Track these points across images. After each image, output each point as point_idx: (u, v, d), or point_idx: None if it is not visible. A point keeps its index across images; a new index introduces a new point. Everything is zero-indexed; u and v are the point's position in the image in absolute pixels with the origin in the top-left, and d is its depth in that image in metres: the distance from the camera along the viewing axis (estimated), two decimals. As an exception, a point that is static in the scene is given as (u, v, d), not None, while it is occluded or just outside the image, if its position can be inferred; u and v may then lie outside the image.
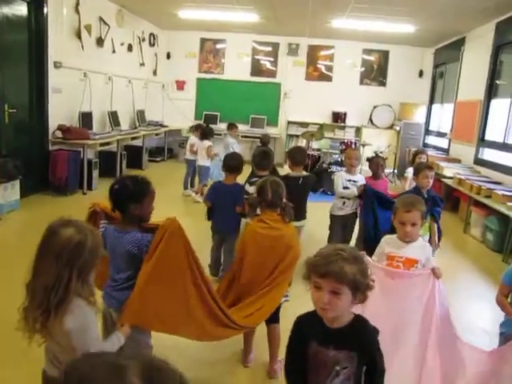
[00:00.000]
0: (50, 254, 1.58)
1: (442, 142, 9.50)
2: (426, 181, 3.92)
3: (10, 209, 5.63)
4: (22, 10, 6.21)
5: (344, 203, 4.38)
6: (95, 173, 7.15)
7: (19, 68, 6.27)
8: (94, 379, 0.76)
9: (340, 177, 4.44)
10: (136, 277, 2.14)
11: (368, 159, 5.11)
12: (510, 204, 5.26)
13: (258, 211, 2.80)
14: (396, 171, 10.20)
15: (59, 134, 6.78)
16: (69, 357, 1.52)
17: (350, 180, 4.37)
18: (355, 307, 1.62)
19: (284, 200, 2.75)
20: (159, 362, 0.82)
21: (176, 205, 6.55)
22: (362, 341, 1.59)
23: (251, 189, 3.61)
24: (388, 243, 2.67)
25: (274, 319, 2.70)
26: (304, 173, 4.22)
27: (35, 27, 6.42)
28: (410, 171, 5.39)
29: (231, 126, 7.86)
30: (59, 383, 0.98)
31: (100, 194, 6.99)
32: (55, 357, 1.66)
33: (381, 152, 9.42)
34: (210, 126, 8.08)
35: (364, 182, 4.41)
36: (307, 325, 1.63)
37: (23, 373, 2.53)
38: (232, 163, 3.96)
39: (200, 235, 3.82)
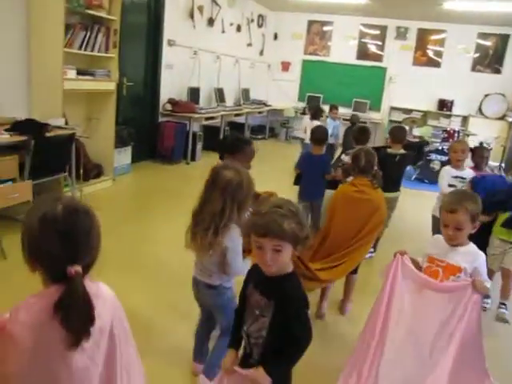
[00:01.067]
0: (216, 189, 2.07)
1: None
2: None
3: (123, 172, 6.27)
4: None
5: None
6: (199, 145, 7.67)
7: (138, 46, 6.87)
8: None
9: (445, 172, 3.95)
10: None
11: (471, 149, 4.32)
12: None
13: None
14: (503, 165, 9.65)
15: (169, 106, 7.35)
16: (219, 268, 2.13)
17: (456, 177, 3.87)
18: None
19: (375, 168, 3.03)
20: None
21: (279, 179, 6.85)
22: (283, 294, 1.57)
23: (346, 158, 4.11)
24: (432, 243, 2.37)
25: (353, 271, 3.06)
26: (402, 151, 4.35)
27: (154, 9, 6.99)
28: None
29: (331, 108, 8.13)
30: None
31: (203, 165, 7.49)
32: (206, 268, 2.18)
33: (488, 143, 9.00)
34: (321, 106, 8.27)
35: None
36: (254, 269, 1.72)
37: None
38: (319, 136, 4.28)
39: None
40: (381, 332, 2.17)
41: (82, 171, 4.93)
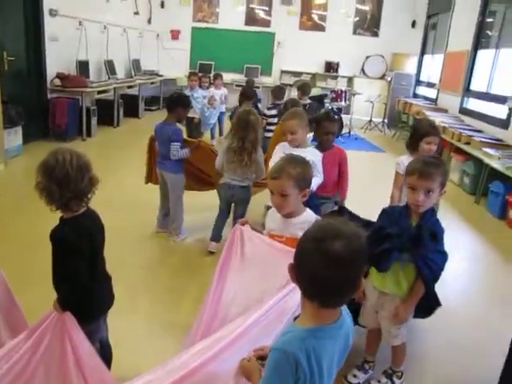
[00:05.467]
0: (250, 127, 3.35)
1: (432, 93, 9.72)
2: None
3: (14, 154, 5.91)
4: (16, -44, 6.27)
5: None
6: (94, 120, 7.39)
7: (15, 16, 6.37)
8: None
9: (280, 148, 3.21)
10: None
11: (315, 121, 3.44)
12: (485, 149, 5.60)
13: None
14: (386, 121, 10.46)
15: (58, 81, 6.98)
16: (253, 173, 3.46)
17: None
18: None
19: None
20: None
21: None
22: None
23: (271, 112, 5.43)
24: (269, 218, 2.22)
25: None
26: (309, 101, 6.02)
27: (30, -26, 6.50)
28: (402, 162, 2.90)
29: (214, 78, 7.85)
30: None
31: (99, 140, 7.27)
32: (241, 176, 3.43)
33: (371, 101, 9.69)
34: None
35: (319, 159, 3.10)
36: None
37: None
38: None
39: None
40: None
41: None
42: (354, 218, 2.57)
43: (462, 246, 4.38)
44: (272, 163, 2.79)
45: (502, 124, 6.36)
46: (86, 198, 1.80)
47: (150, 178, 4.03)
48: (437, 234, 2.01)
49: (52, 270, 1.81)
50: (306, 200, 2.08)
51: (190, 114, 5.98)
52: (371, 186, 5.45)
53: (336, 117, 8.04)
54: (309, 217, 2.05)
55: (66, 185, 1.71)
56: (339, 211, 2.87)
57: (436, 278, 2.05)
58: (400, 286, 2.08)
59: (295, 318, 1.27)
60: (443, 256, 2.04)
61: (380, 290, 2.14)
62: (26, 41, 6.63)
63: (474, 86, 7.73)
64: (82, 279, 1.73)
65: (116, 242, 3.25)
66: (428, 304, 2.17)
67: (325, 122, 3.30)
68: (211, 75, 8.73)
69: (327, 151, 3.28)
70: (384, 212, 2.19)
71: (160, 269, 3.40)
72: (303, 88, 6.19)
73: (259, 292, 1.82)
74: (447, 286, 3.30)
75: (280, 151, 3.09)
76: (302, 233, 1.72)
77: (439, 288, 2.19)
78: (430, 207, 2.04)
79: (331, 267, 1.09)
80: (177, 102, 3.72)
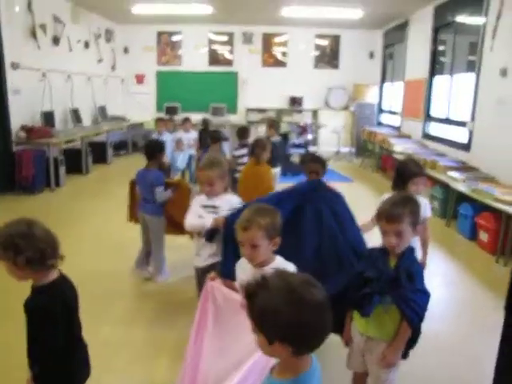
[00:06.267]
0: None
1: (395, 120, 10.01)
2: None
3: (-20, 210, 5.79)
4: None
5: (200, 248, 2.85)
6: (62, 170, 7.32)
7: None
8: None
9: (194, 205, 2.88)
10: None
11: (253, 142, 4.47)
12: (450, 173, 5.75)
13: None
14: (353, 150, 10.68)
15: (23, 134, 6.91)
16: None
17: (206, 206, 2.80)
18: None
19: (256, 150, 4.23)
20: None
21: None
22: None
23: (238, 152, 5.44)
24: (238, 267, 2.13)
25: None
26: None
27: (-11, 29, 6.50)
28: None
29: (183, 122, 7.64)
30: None
31: (68, 189, 7.19)
32: None
33: (337, 132, 9.89)
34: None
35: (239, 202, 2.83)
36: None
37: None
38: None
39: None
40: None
41: None
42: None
43: (438, 271, 4.43)
44: (189, 219, 2.77)
45: (464, 147, 6.56)
46: (59, 254, 1.74)
47: (132, 216, 4.17)
48: (412, 273, 1.95)
49: (27, 344, 1.71)
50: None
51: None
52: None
53: (303, 151, 8.29)
54: (280, 264, 1.98)
55: (42, 242, 1.67)
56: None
57: (420, 318, 1.98)
58: (384, 330, 2.02)
59: (271, 370, 1.26)
60: (425, 295, 1.98)
61: (365, 334, 2.07)
62: (-12, 95, 6.59)
63: (433, 112, 7.99)
64: (58, 348, 1.68)
65: (90, 292, 3.20)
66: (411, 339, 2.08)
67: (309, 163, 3.56)
68: (177, 118, 8.81)
69: None
70: (366, 254, 2.18)
71: (137, 320, 3.32)
72: (274, 125, 6.25)
73: (237, 352, 1.81)
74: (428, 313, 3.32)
75: (196, 205, 2.83)
76: None
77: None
78: (408, 247, 2.01)
79: (309, 313, 1.12)
80: (154, 149, 3.93)
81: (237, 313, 1.86)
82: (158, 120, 7.40)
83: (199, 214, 2.78)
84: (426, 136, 8.08)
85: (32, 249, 1.62)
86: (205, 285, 2.12)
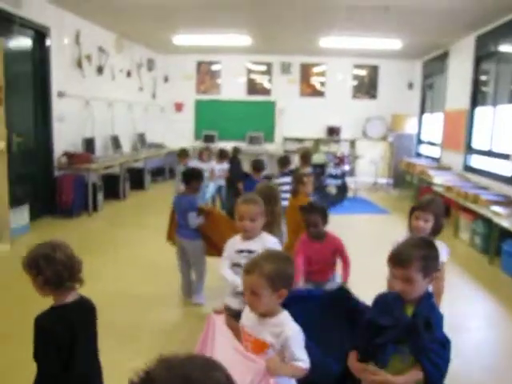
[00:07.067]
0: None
1: (434, 151, 9.80)
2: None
3: (21, 232, 5.92)
4: (26, 42, 6.59)
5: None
6: (100, 195, 7.47)
7: (24, 98, 6.60)
8: None
9: (230, 245, 2.75)
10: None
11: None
12: (493, 208, 5.54)
13: None
14: (391, 181, 10.50)
15: (64, 159, 7.11)
16: None
17: (242, 251, 2.66)
18: None
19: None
20: None
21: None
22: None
23: (280, 180, 5.44)
24: (244, 313, 1.96)
25: None
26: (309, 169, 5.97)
27: (39, 59, 6.79)
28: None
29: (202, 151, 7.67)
30: None
31: (106, 214, 7.31)
32: None
33: (375, 163, 9.74)
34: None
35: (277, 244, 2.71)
36: None
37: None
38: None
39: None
40: None
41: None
42: (351, 302, 2.46)
43: (480, 312, 4.22)
44: (222, 267, 2.69)
45: (508, 180, 6.33)
46: (78, 278, 1.86)
47: (170, 237, 4.30)
48: (431, 321, 1.74)
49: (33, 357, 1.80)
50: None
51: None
52: (375, 253, 5.33)
53: (340, 181, 8.16)
54: (284, 320, 1.80)
55: (61, 265, 1.80)
56: (340, 293, 2.59)
57: (442, 373, 1.75)
58: None
59: None
60: (444, 346, 1.77)
61: None
62: (34, 121, 6.82)
63: (475, 143, 7.78)
64: (53, 370, 1.75)
65: (121, 317, 3.16)
66: None
67: (306, 214, 3.24)
68: (213, 146, 8.84)
69: (319, 241, 3.23)
70: (377, 300, 1.97)
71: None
72: (305, 157, 6.34)
73: None
74: (468, 358, 3.14)
75: (231, 250, 2.70)
76: (271, 338, 1.75)
77: (462, 365, 2.03)
78: (425, 291, 1.82)
79: None
80: (191, 176, 4.10)
81: (228, 355, 1.77)
82: (181, 152, 7.04)
83: (235, 261, 2.64)
84: (468, 168, 7.85)
85: (50, 271, 1.77)
86: (209, 316, 2.04)
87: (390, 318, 1.79)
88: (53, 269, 1.77)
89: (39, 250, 1.82)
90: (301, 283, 3.04)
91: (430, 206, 2.64)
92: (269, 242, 2.61)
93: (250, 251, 2.56)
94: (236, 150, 8.08)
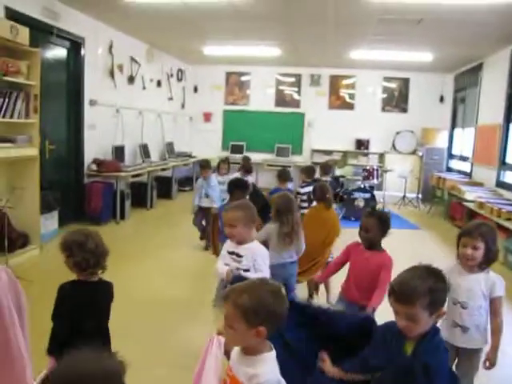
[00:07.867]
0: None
1: (465, 166, 9.59)
2: None
3: (50, 237, 6.01)
4: (62, 52, 6.74)
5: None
6: (127, 203, 7.53)
7: (58, 106, 6.74)
8: None
9: (225, 247, 2.83)
10: None
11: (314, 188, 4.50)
12: (528, 226, 5.36)
13: None
14: (420, 196, 10.31)
15: (94, 167, 7.21)
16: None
17: (233, 253, 2.72)
18: None
19: (327, 195, 4.18)
20: None
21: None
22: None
23: (304, 190, 5.48)
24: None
25: None
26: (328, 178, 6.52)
27: (73, 69, 6.94)
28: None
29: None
30: None
31: (133, 222, 7.36)
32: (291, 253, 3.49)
33: (404, 177, 9.59)
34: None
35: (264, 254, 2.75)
36: None
37: None
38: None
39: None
40: None
41: (6, 242, 4.68)
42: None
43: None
44: (217, 264, 2.77)
45: (544, 198, 6.14)
46: (102, 265, 2.15)
47: (213, 249, 4.57)
48: (430, 367, 1.50)
49: None
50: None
51: (206, 204, 5.86)
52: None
53: (368, 195, 8.11)
54: (262, 364, 1.51)
55: (90, 253, 2.08)
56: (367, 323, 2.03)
57: None
58: None
59: None
60: None
61: None
62: (67, 129, 6.95)
63: (509, 159, 7.58)
64: (61, 330, 2.04)
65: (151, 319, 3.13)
66: None
67: (363, 217, 2.89)
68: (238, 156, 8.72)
69: (369, 250, 2.82)
70: (377, 332, 1.76)
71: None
72: (324, 168, 6.72)
73: None
74: None
75: (225, 250, 2.78)
76: (244, 379, 1.49)
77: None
78: (431, 327, 1.60)
79: None
80: (234, 186, 4.28)
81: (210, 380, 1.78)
82: (205, 163, 6.27)
83: (226, 261, 2.73)
84: (501, 184, 7.64)
85: (80, 256, 2.04)
86: (212, 337, 1.94)
87: (385, 354, 1.62)
88: (82, 255, 2.04)
89: (74, 237, 2.11)
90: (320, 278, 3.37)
91: (479, 231, 2.31)
92: (258, 251, 2.70)
93: (238, 255, 2.67)
94: (246, 159, 7.48)
